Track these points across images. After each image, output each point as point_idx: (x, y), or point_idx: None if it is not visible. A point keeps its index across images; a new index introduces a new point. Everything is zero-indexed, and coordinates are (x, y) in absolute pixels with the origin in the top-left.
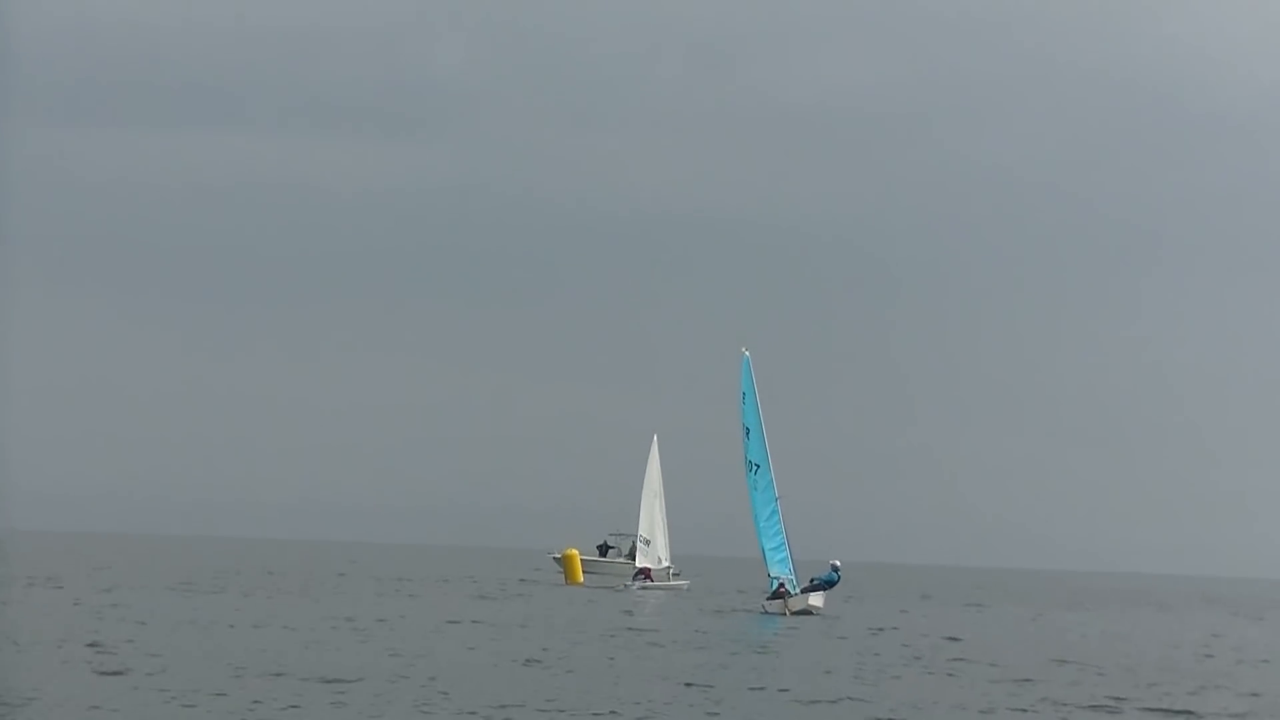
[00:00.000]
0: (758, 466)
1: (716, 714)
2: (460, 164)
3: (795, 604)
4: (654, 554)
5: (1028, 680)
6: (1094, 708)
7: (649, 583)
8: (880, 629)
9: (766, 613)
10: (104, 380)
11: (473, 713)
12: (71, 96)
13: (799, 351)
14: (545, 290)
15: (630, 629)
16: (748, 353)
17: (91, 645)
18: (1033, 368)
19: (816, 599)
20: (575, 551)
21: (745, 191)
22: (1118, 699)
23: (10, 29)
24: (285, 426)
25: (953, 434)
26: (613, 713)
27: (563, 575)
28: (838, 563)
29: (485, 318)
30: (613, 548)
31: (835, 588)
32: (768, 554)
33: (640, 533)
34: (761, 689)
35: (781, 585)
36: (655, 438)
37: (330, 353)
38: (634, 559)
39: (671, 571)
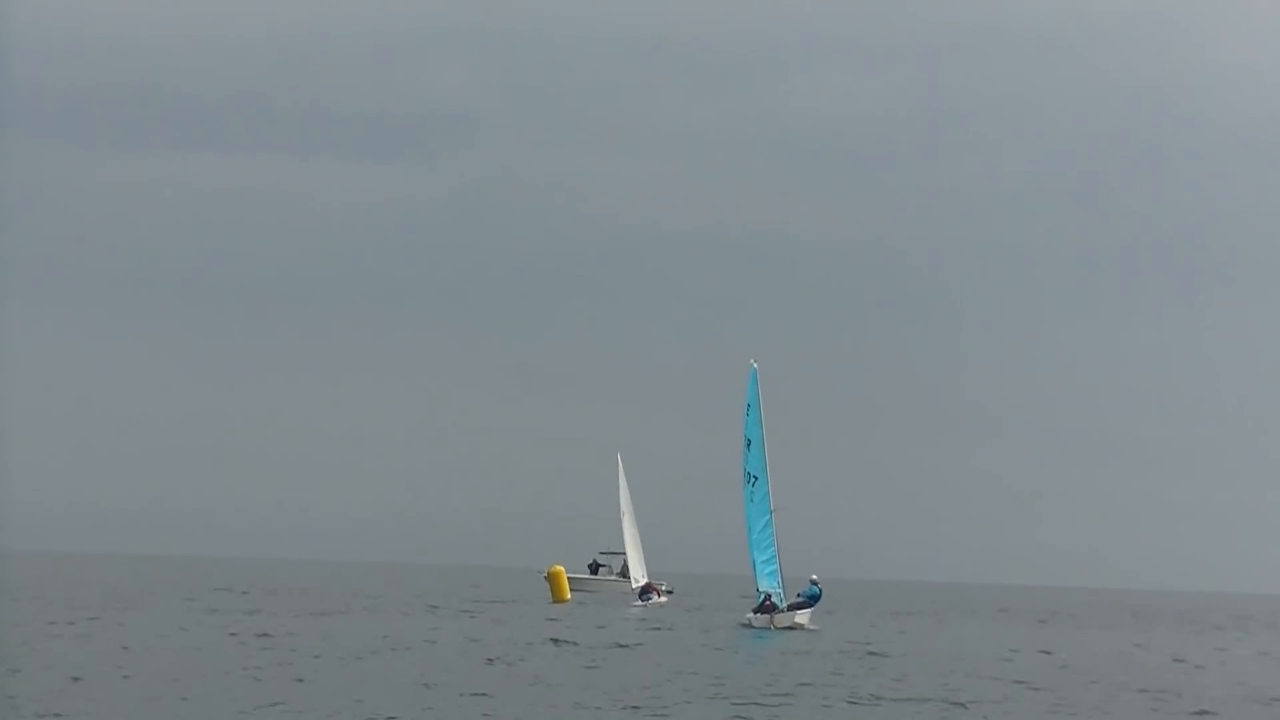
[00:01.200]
0: (755, 479)
1: None
2: (456, 184)
3: (781, 620)
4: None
5: None
6: None
7: (657, 597)
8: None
9: (751, 626)
10: (104, 398)
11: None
12: (75, 112)
13: (800, 367)
14: (536, 310)
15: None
16: (755, 365)
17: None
18: (1036, 382)
19: (803, 616)
20: (561, 569)
21: (742, 210)
22: None
23: (9, 44)
24: (270, 444)
25: (967, 451)
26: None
27: (549, 593)
28: (816, 578)
29: (476, 338)
30: (604, 565)
31: (817, 603)
32: (758, 566)
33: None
34: None
35: (768, 598)
36: (619, 458)
37: (324, 373)
38: (626, 577)
39: (663, 589)
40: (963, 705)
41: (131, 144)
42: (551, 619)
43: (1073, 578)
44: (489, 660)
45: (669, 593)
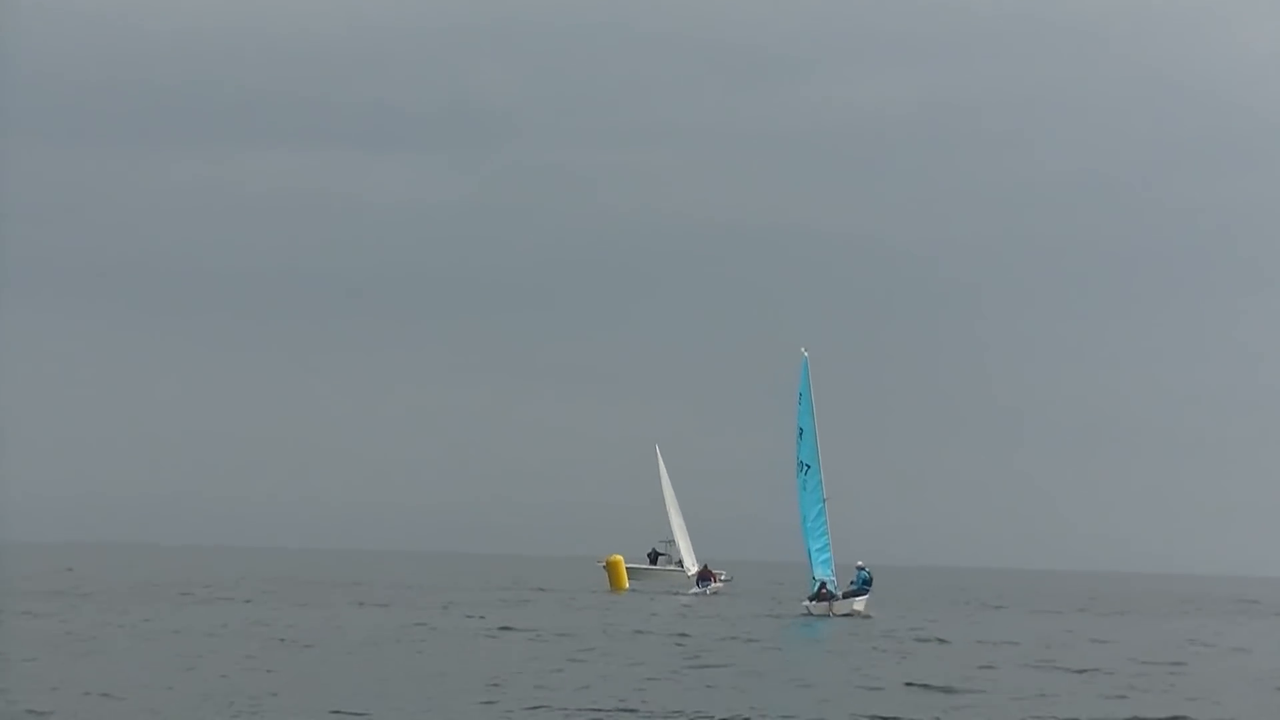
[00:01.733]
0: (808, 467)
1: None
2: (493, 179)
3: (840, 607)
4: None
5: None
6: None
7: (714, 584)
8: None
9: (810, 614)
10: (159, 391)
11: None
12: (112, 112)
13: (841, 358)
14: (577, 304)
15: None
16: (806, 354)
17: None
18: (1077, 376)
19: (860, 603)
20: (619, 558)
21: (777, 204)
22: None
23: (38, 44)
24: (301, 433)
25: (1009, 446)
26: None
27: (607, 582)
28: (862, 564)
29: (515, 332)
30: (662, 554)
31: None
32: (813, 554)
33: (674, 539)
34: None
35: (823, 586)
36: (658, 449)
37: (365, 369)
38: (683, 566)
39: (722, 576)
40: None
41: (166, 144)
42: (654, 613)
43: (1103, 563)
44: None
45: (728, 580)
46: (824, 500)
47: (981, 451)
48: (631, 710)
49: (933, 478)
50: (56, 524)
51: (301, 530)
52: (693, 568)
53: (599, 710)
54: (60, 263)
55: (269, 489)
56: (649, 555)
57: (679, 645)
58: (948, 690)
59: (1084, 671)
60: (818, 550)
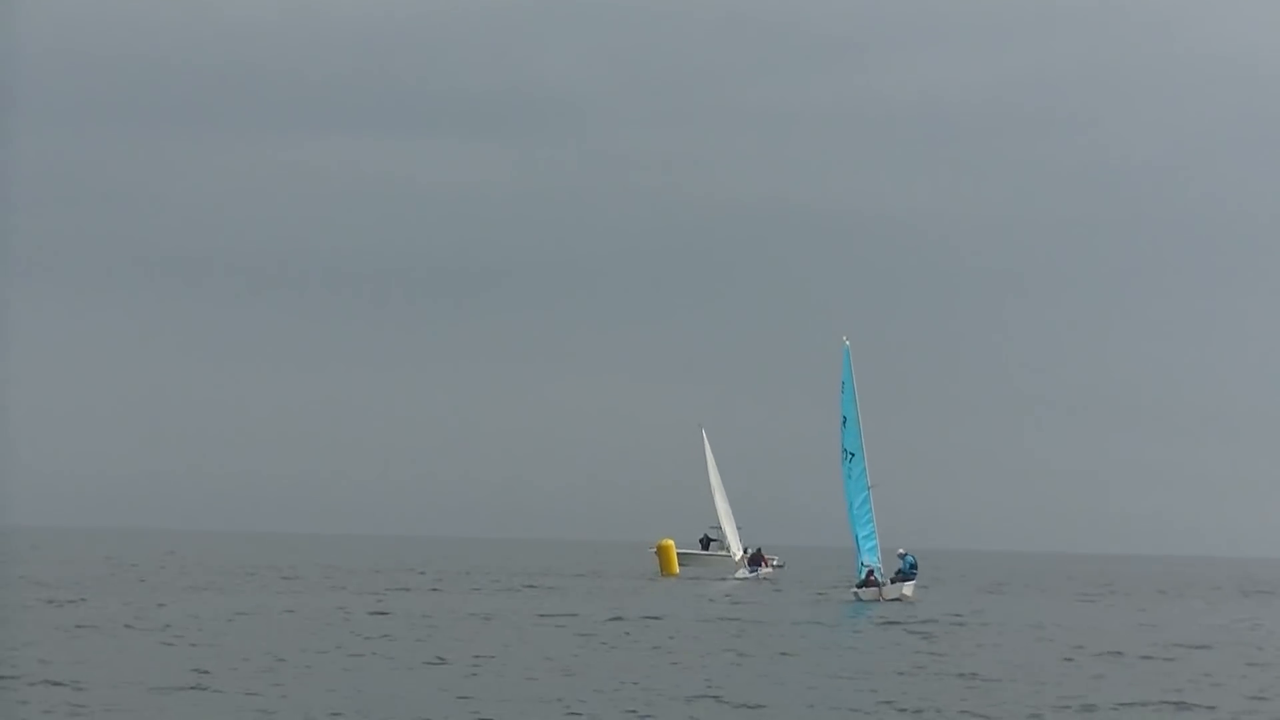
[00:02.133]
0: (852, 455)
1: None
2: (559, 165)
3: (889, 593)
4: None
5: None
6: None
7: (765, 568)
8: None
9: (860, 600)
10: (224, 378)
11: None
12: (160, 95)
13: (890, 342)
14: (631, 289)
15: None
16: (848, 342)
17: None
18: (1128, 358)
19: (908, 588)
20: (670, 542)
21: (836, 185)
22: None
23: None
24: (347, 424)
25: (1038, 427)
26: None
27: (658, 567)
28: (903, 550)
29: (571, 317)
30: (714, 540)
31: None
32: (860, 541)
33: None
34: None
35: (871, 573)
36: (704, 432)
37: (409, 354)
38: (729, 552)
39: (774, 562)
40: None
41: (234, 129)
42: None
43: (1137, 546)
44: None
45: (779, 566)
46: (869, 488)
47: (1030, 437)
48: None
49: (978, 463)
50: (97, 508)
51: (345, 515)
52: (739, 552)
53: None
54: (123, 250)
55: (310, 474)
56: (701, 541)
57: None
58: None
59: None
60: (864, 537)
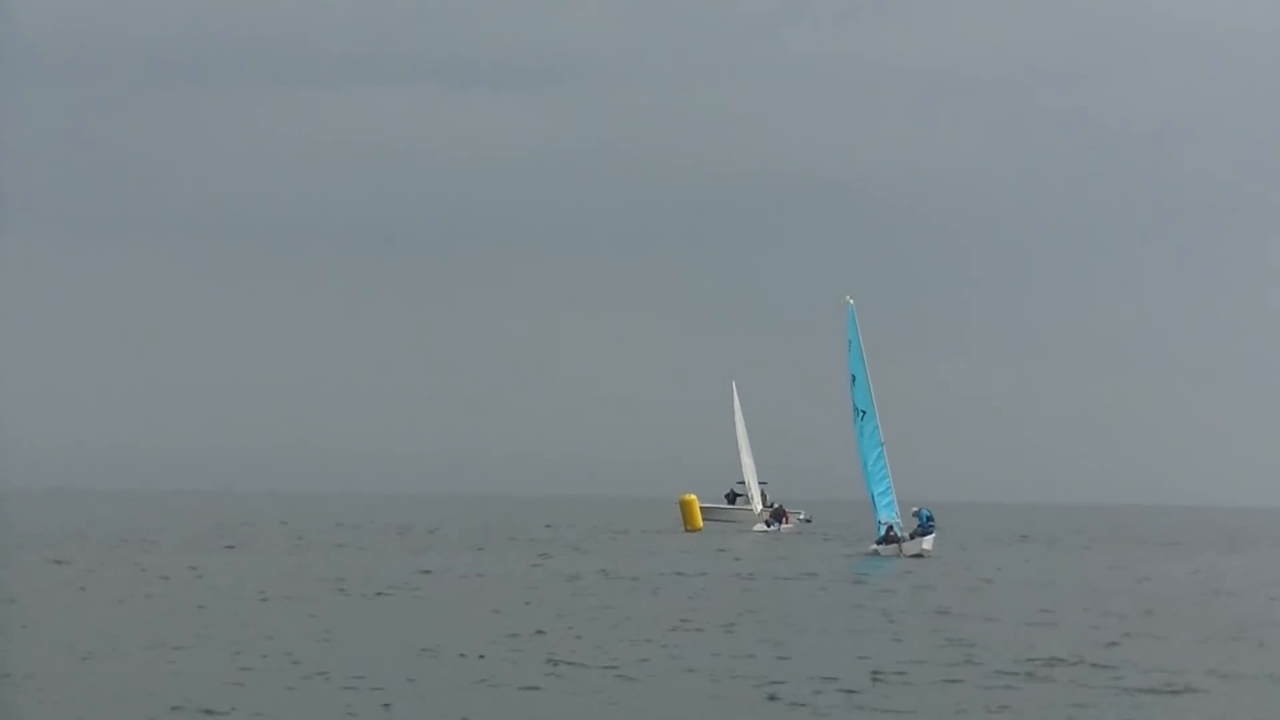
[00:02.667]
0: (864, 413)
1: None
2: (588, 123)
3: (909, 548)
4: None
5: None
6: None
7: (786, 524)
8: None
9: (879, 555)
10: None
11: None
12: (191, 56)
13: (899, 302)
14: (664, 245)
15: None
16: (852, 301)
17: None
18: (1158, 311)
19: (928, 543)
20: (693, 497)
21: (861, 150)
22: None
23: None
24: (377, 377)
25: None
26: None
27: (680, 522)
28: (916, 508)
29: (614, 274)
30: (740, 495)
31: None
32: (876, 498)
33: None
34: None
35: (890, 529)
36: (734, 385)
37: (464, 314)
38: (764, 505)
39: (801, 517)
40: None
41: (277, 85)
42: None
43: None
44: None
45: (807, 520)
46: (882, 444)
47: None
48: None
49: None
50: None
51: (379, 475)
52: (759, 507)
53: None
54: (159, 211)
55: (336, 437)
56: (727, 496)
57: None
58: None
59: None
60: (880, 494)
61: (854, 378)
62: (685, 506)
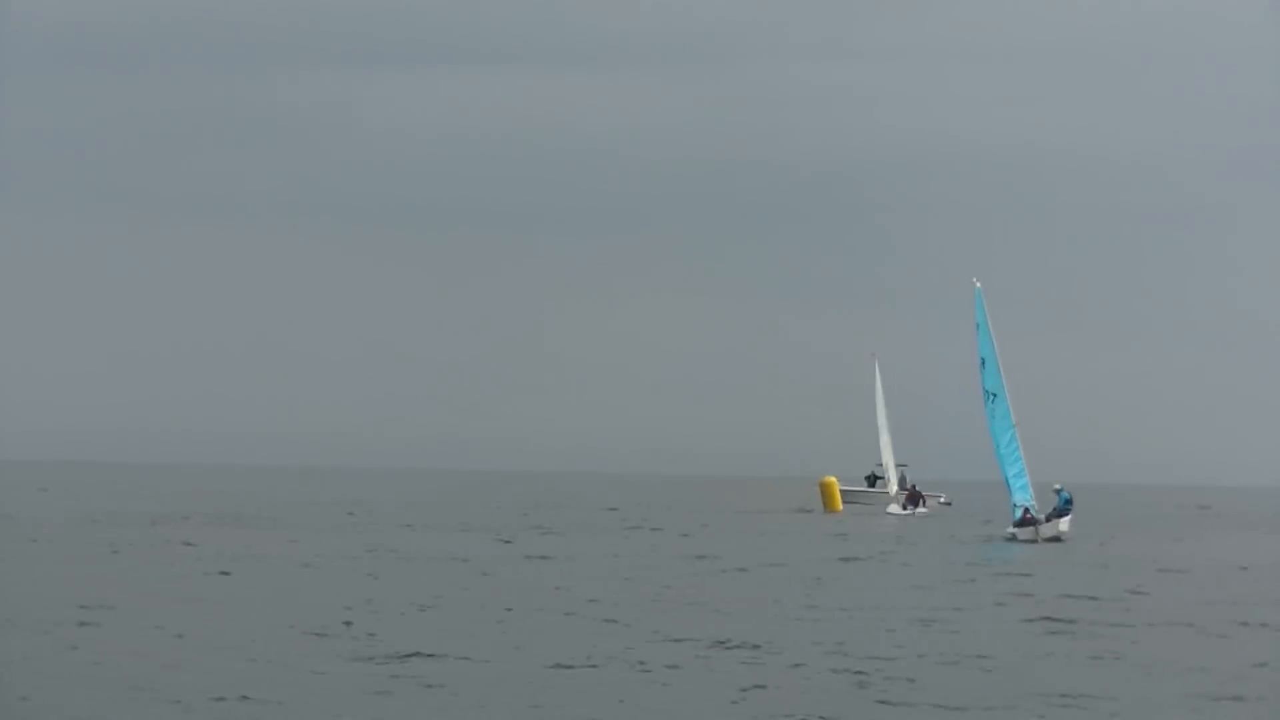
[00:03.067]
0: (994, 396)
1: None
2: (711, 100)
3: (1046, 530)
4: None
5: None
6: None
7: (922, 508)
8: None
9: (1017, 539)
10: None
11: None
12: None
13: (1030, 283)
14: (787, 223)
15: None
16: (979, 284)
17: None
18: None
19: (1065, 524)
20: (834, 479)
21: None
22: None
23: None
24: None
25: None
26: None
27: (820, 503)
28: (1059, 486)
29: (732, 252)
30: (880, 478)
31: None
32: (1010, 481)
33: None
34: None
35: (1026, 512)
36: (876, 364)
37: (575, 295)
38: (903, 488)
39: (941, 500)
40: None
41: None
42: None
43: None
44: None
45: (946, 504)
46: (1014, 427)
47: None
48: None
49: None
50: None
51: (501, 454)
52: (895, 488)
53: None
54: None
55: (489, 416)
56: (867, 478)
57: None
58: None
59: None
60: (1014, 476)
61: (983, 360)
62: (825, 488)
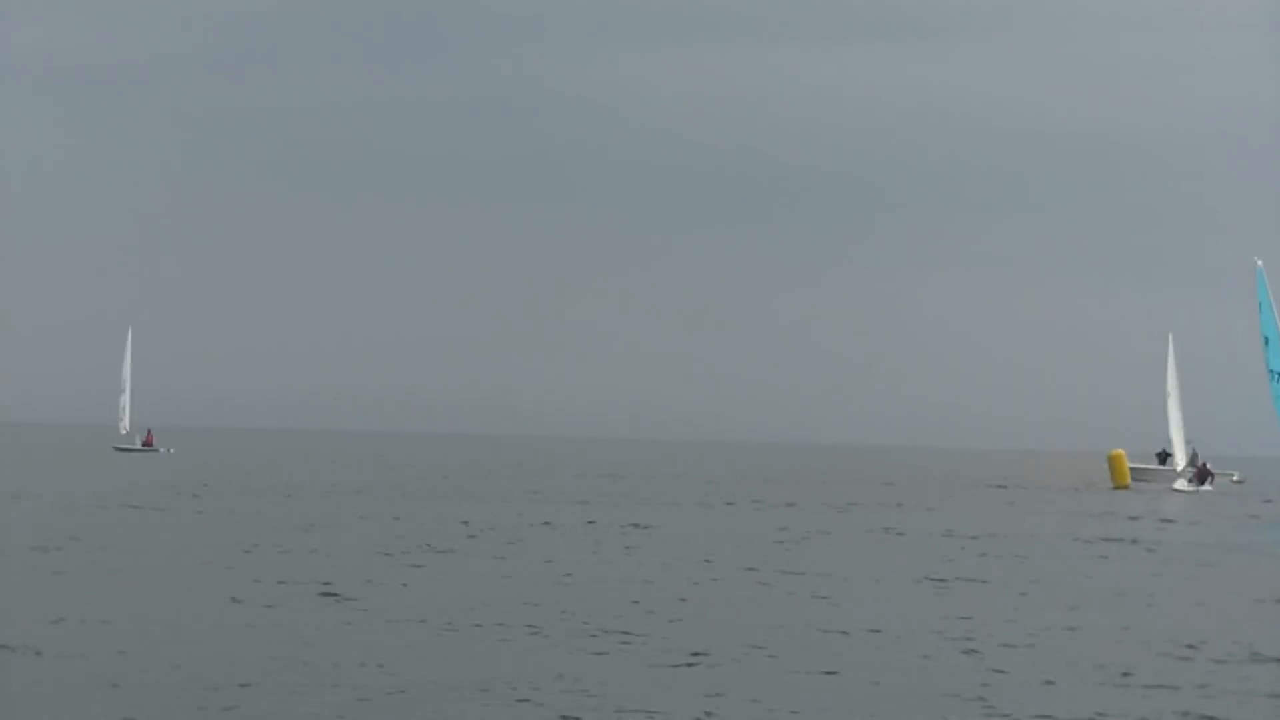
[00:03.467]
0: (1278, 375)
1: None
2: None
3: None
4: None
5: None
6: None
7: (1208, 485)
8: None
9: None
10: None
11: None
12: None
13: None
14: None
15: None
16: (1261, 263)
17: None
18: None
19: None
20: (1122, 452)
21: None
22: None
23: None
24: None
25: None
26: None
27: (1109, 477)
28: None
29: (1018, 224)
30: (1170, 455)
31: None
32: None
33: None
34: None
35: None
36: (1170, 337)
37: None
38: (1193, 465)
39: (1234, 478)
40: None
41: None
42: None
43: None
44: None
45: (1239, 481)
46: None
47: None
48: None
49: None
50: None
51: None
52: (1182, 464)
53: None
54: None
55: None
56: (1158, 455)
57: None
58: None
59: None
60: None
61: (1266, 340)
62: (1114, 462)
